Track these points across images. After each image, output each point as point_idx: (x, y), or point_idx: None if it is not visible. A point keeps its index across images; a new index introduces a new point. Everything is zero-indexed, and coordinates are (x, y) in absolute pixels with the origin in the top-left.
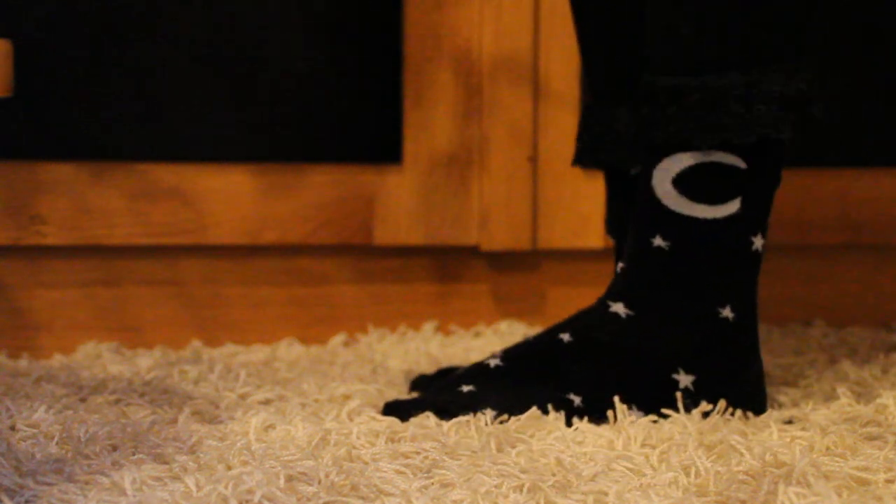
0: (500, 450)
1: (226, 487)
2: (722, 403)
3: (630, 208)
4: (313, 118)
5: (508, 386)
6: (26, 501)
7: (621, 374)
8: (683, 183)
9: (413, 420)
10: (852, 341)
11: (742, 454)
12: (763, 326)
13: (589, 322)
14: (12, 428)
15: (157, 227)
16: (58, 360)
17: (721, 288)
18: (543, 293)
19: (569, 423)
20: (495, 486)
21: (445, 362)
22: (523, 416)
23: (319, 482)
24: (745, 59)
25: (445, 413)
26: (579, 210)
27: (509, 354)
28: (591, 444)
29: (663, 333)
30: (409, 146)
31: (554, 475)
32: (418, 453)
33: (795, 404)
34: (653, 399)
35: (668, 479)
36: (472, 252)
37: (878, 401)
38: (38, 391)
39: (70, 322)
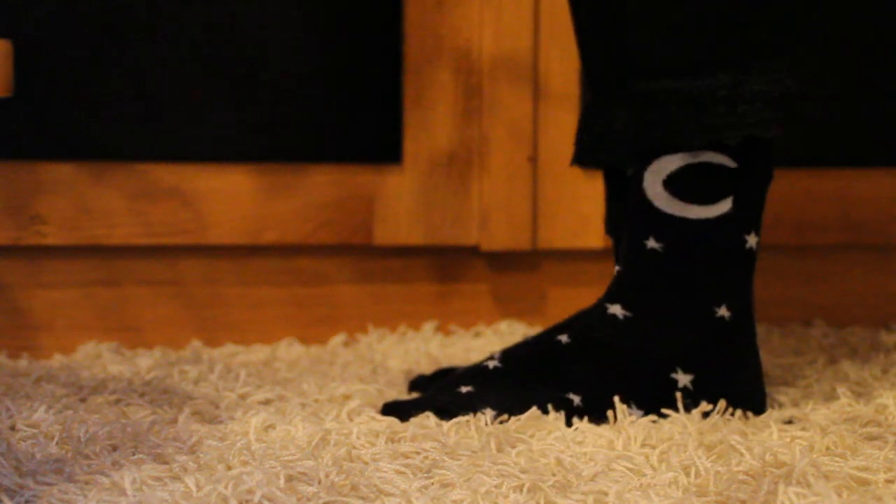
0: (500, 450)
1: (226, 487)
2: (722, 403)
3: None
4: (313, 118)
5: (508, 386)
6: (26, 501)
7: (620, 373)
8: (674, 184)
9: (413, 420)
10: (852, 341)
11: (742, 454)
12: (763, 326)
13: (587, 323)
14: (12, 428)
15: (157, 227)
16: (58, 360)
17: (716, 287)
18: (543, 293)
19: (569, 423)
20: (495, 486)
21: (445, 362)
22: (523, 416)
23: (319, 482)
24: (730, 60)
25: (445, 413)
26: (579, 210)
27: (508, 356)
28: (591, 444)
29: (661, 334)
30: (409, 146)
31: (554, 475)
32: (418, 453)
33: (795, 404)
34: (652, 398)
35: (668, 479)
36: (472, 252)
37: (878, 401)
38: (38, 391)
39: (70, 322)
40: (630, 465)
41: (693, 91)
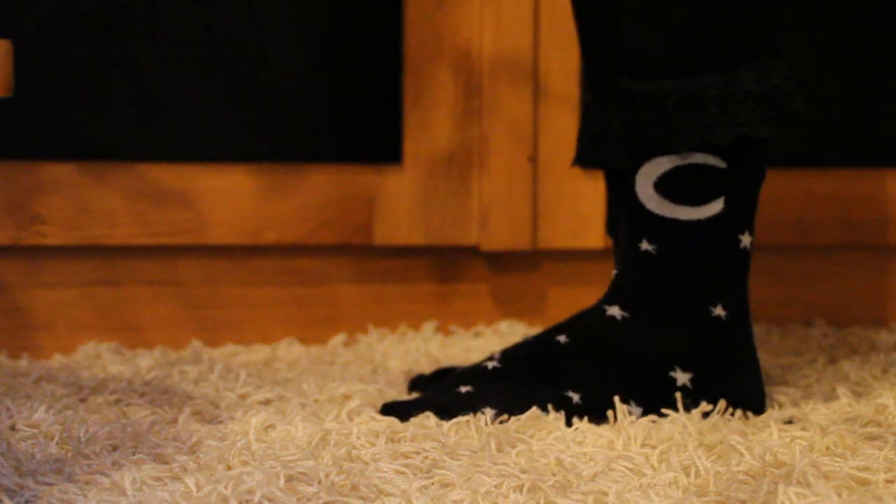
0: (500, 450)
1: (226, 487)
2: (722, 403)
3: None
4: (313, 118)
5: (508, 386)
6: (26, 501)
7: (620, 371)
8: (665, 186)
9: (413, 420)
10: (852, 341)
11: (742, 454)
12: (763, 326)
13: (587, 324)
14: (12, 428)
15: (157, 227)
16: (58, 360)
17: (711, 288)
18: (543, 293)
19: (569, 422)
20: (495, 486)
21: (445, 362)
22: (523, 416)
23: (319, 482)
24: (720, 60)
25: (445, 413)
26: (579, 210)
27: (507, 356)
28: (591, 444)
29: (658, 334)
30: (409, 146)
31: (554, 475)
32: (418, 453)
33: (795, 404)
34: (651, 396)
35: (668, 479)
36: (472, 252)
37: (878, 401)
38: (38, 391)
39: (70, 322)
40: (630, 465)
41: (692, 91)
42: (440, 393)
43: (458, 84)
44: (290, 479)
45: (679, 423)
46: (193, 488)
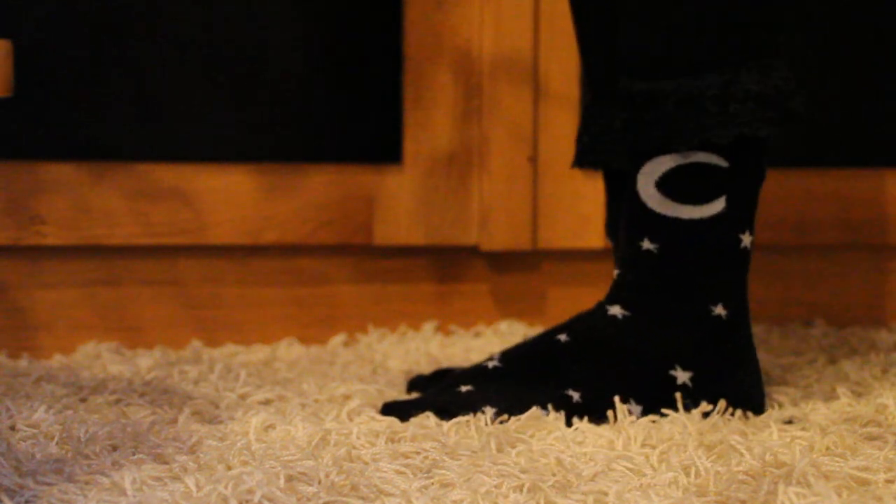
0: (500, 450)
1: (226, 487)
2: (722, 403)
3: None
4: (313, 118)
5: (508, 385)
6: (26, 501)
7: (620, 370)
8: (667, 185)
9: (413, 420)
10: (852, 341)
11: (742, 454)
12: (763, 326)
13: (588, 324)
14: (12, 428)
15: (157, 227)
16: (58, 360)
17: (711, 287)
18: (543, 293)
19: (569, 422)
20: (495, 486)
21: (446, 362)
22: (523, 417)
23: (319, 482)
24: (720, 60)
25: (445, 413)
26: (579, 210)
27: (507, 356)
28: (591, 444)
29: (659, 332)
30: (409, 146)
31: (554, 475)
32: (418, 453)
33: (795, 404)
34: (651, 394)
35: (668, 479)
36: (472, 252)
37: (878, 401)
38: (38, 391)
39: (70, 322)
40: (630, 465)
41: (692, 91)
42: (440, 393)
43: (458, 84)
44: (290, 479)
45: (679, 423)
46: (193, 488)
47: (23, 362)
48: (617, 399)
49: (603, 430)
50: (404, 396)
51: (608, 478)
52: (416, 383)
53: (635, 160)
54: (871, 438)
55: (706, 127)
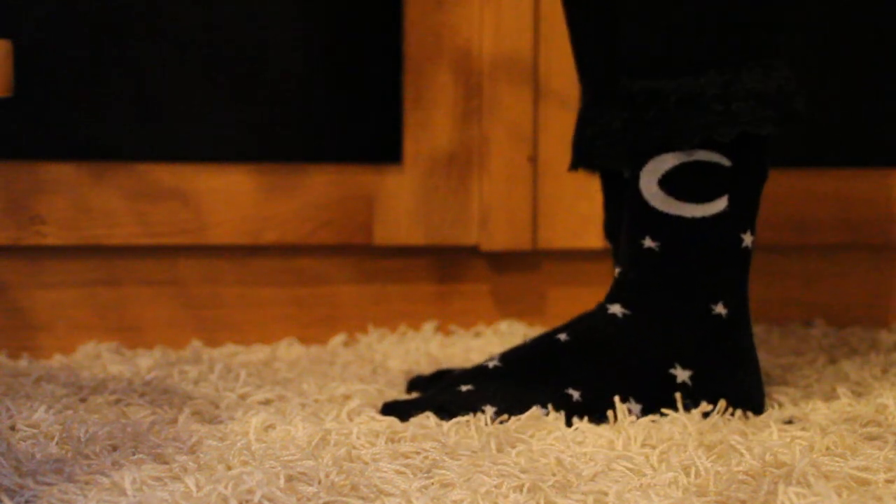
0: (500, 450)
1: (226, 487)
2: (722, 403)
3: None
4: (313, 118)
5: (508, 385)
6: (26, 501)
7: (620, 368)
8: (669, 183)
9: (413, 420)
10: (852, 341)
11: (742, 454)
12: (763, 326)
13: (589, 324)
14: (12, 428)
15: (157, 227)
16: (58, 360)
17: (713, 285)
18: (543, 293)
19: (569, 421)
20: (495, 486)
21: (446, 362)
22: (523, 416)
23: (319, 482)
24: (720, 60)
25: (445, 413)
26: (579, 210)
27: (507, 357)
28: (591, 444)
29: (659, 331)
30: (409, 146)
31: (554, 475)
32: (418, 453)
33: (795, 404)
34: (651, 393)
35: (668, 479)
36: (472, 252)
37: (878, 401)
38: (38, 391)
39: (70, 322)
40: (630, 465)
41: (693, 90)
42: (440, 393)
43: (458, 84)
44: (290, 479)
45: (679, 423)
46: (193, 488)
47: (23, 362)
48: (617, 399)
49: (603, 429)
50: (404, 396)
51: (608, 478)
52: (416, 383)
53: (637, 159)
54: (871, 438)
55: (708, 125)
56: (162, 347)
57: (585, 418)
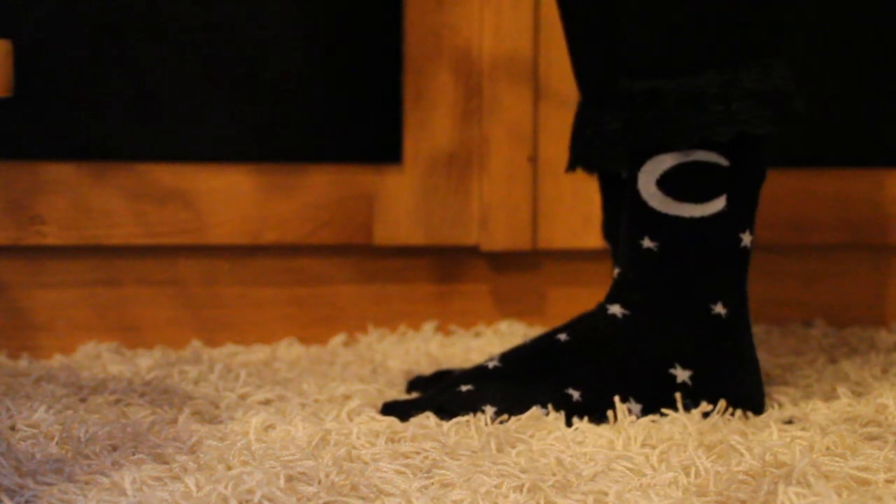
0: (500, 450)
1: (226, 487)
2: (722, 403)
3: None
4: (313, 118)
5: (508, 386)
6: (26, 501)
7: (620, 368)
8: (667, 183)
9: (413, 420)
10: (852, 341)
11: (742, 454)
12: (763, 326)
13: (587, 324)
14: (12, 428)
15: (157, 227)
16: (58, 360)
17: (712, 285)
18: (543, 293)
19: (569, 421)
20: (495, 486)
21: (446, 362)
22: (523, 416)
23: (319, 482)
24: (720, 59)
25: (445, 413)
26: (579, 210)
27: (507, 357)
28: (591, 444)
29: (659, 331)
30: (409, 146)
31: (554, 475)
32: (418, 453)
33: (795, 404)
34: (651, 393)
35: (668, 479)
36: (472, 252)
37: (878, 401)
38: (38, 391)
39: (70, 322)
40: (630, 465)
41: (692, 90)
42: (440, 393)
43: (458, 84)
44: (290, 479)
45: (679, 423)
46: (193, 488)
47: (23, 362)
48: (617, 399)
49: (603, 429)
50: (404, 396)
51: (608, 478)
52: (416, 383)
53: (636, 159)
54: (871, 438)
55: (707, 125)
56: (162, 347)
57: (585, 418)
